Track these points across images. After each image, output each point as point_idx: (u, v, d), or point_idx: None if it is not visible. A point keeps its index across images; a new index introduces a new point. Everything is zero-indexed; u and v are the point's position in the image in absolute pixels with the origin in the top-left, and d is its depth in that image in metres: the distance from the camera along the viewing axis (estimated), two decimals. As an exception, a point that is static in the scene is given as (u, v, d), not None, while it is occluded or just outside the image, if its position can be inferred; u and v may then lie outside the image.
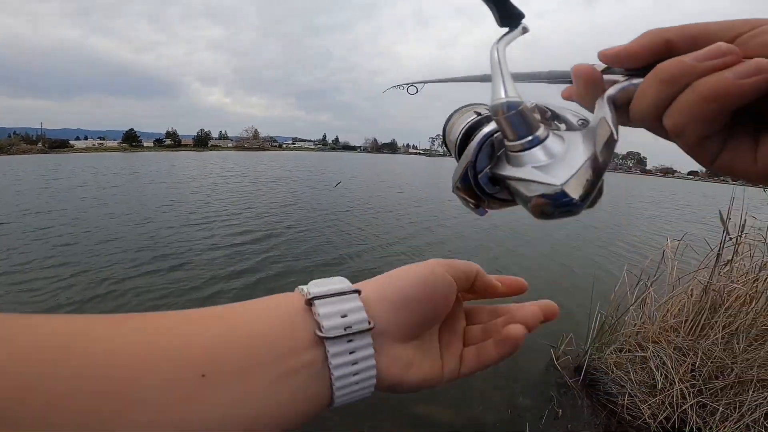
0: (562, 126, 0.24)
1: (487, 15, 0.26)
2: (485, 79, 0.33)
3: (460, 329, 0.32)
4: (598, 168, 0.20)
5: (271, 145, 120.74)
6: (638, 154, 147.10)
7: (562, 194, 0.20)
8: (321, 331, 0.23)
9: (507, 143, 0.23)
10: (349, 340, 0.24)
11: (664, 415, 2.00)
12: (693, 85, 0.17)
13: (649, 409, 2.05)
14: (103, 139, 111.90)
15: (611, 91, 0.22)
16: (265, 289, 4.18)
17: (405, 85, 0.64)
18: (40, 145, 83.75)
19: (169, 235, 5.89)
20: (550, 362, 2.69)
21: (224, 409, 0.20)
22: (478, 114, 0.32)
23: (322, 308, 0.24)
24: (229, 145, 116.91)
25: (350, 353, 0.24)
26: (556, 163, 0.21)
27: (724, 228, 2.30)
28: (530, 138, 0.22)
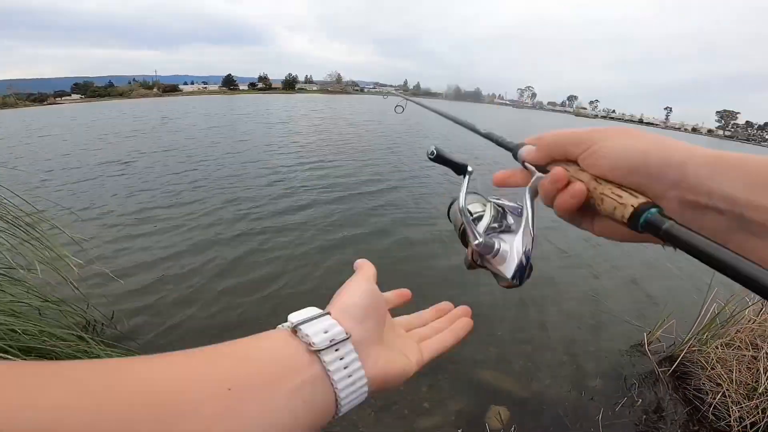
0: (509, 218, 0.41)
1: None
2: (472, 129, 0.51)
3: (399, 328, 0.40)
4: (528, 258, 0.36)
5: (353, 89, 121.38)
6: None
7: (513, 280, 0.36)
8: (312, 345, 0.28)
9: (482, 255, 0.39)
10: (336, 349, 0.29)
11: (751, 420, 1.89)
12: (555, 199, 0.33)
13: (738, 411, 1.93)
14: (206, 84, 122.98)
15: (531, 183, 0.36)
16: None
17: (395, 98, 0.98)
18: (155, 90, 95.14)
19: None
20: (639, 346, 2.52)
21: (255, 421, 0.24)
22: (467, 221, 0.43)
23: (306, 330, 0.29)
24: (314, 88, 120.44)
25: (340, 359, 0.29)
26: (508, 262, 0.37)
27: None
28: (492, 253, 0.38)
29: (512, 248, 0.37)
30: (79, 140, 11.21)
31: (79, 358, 1.56)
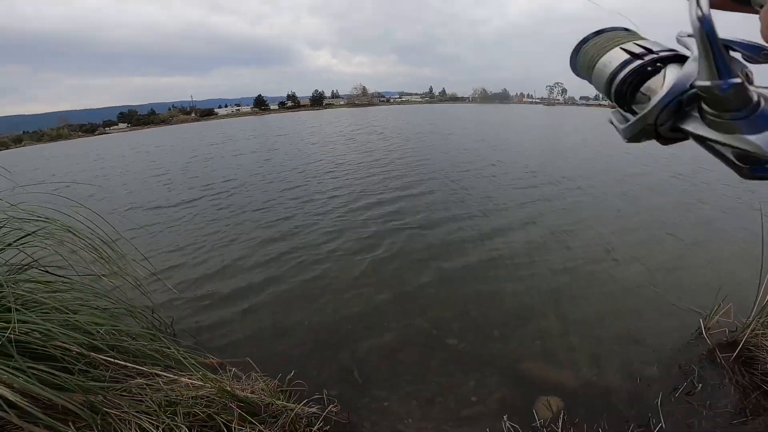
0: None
1: None
2: None
3: None
4: None
5: (379, 101, 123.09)
6: None
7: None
8: None
9: (710, 111, 0.26)
10: None
11: None
12: None
13: None
14: (239, 106, 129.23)
15: None
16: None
17: None
18: (193, 114, 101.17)
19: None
20: (697, 332, 2.40)
21: None
22: (635, 55, 0.33)
23: None
24: (341, 102, 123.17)
25: None
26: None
27: None
28: (743, 111, 0.24)
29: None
30: (168, 166, 11.38)
31: (154, 356, 1.71)
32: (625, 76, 0.33)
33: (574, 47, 0.40)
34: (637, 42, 0.34)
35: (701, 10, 0.24)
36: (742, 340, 2.20)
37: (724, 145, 0.25)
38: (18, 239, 1.83)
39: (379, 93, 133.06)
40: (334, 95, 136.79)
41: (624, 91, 0.33)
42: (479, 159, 9.01)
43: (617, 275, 3.21)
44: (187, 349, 1.86)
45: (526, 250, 3.61)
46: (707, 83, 0.25)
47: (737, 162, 0.25)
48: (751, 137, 0.24)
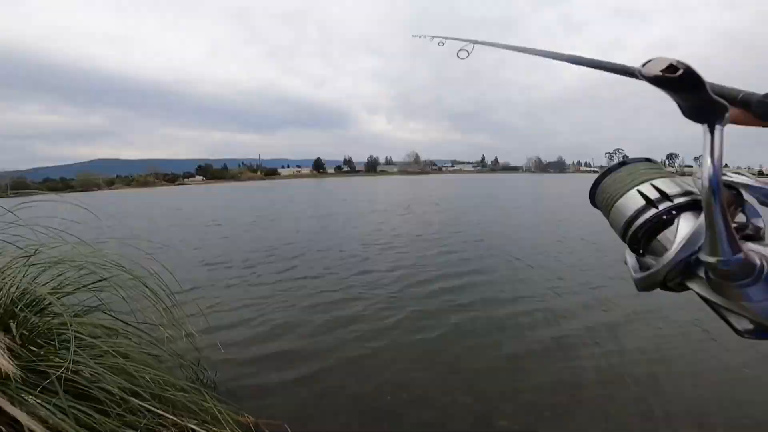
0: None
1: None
2: (573, 60, 0.42)
3: None
4: None
5: (431, 169, 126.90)
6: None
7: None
8: None
9: (714, 278, 0.26)
10: None
11: None
12: None
13: None
14: (300, 167, 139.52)
15: None
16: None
17: (439, 39, 0.71)
18: (258, 173, 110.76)
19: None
20: None
21: None
22: (651, 202, 0.34)
23: None
24: (394, 169, 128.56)
25: None
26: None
27: None
28: (746, 281, 0.25)
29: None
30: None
31: (191, 408, 1.71)
32: (638, 226, 0.34)
33: (594, 180, 0.42)
34: (654, 183, 0.35)
35: (710, 181, 0.24)
36: None
37: (727, 309, 0.27)
38: (93, 282, 1.95)
39: (431, 161, 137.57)
40: (388, 161, 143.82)
41: (639, 238, 0.35)
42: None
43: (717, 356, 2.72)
44: (226, 405, 1.85)
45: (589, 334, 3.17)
46: (710, 259, 0.25)
47: (736, 327, 0.27)
48: (753, 305, 0.25)
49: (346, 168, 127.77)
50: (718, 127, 0.24)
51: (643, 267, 0.34)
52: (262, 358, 3.02)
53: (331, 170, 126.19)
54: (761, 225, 0.28)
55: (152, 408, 1.55)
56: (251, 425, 2.02)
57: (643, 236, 0.34)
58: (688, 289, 0.30)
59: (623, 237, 0.36)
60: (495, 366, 2.79)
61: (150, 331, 2.17)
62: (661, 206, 0.33)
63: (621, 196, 0.36)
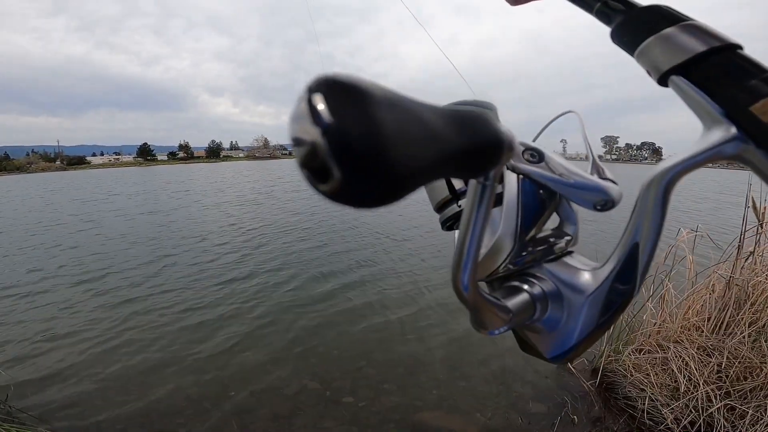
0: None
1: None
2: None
3: None
4: None
5: (282, 153, 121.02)
6: (653, 144, 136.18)
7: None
8: None
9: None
10: None
11: (689, 419, 1.85)
12: None
13: (671, 413, 1.90)
14: (119, 155, 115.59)
15: None
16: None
17: None
18: (58, 162, 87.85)
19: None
20: (563, 365, 2.45)
21: None
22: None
23: None
24: (241, 155, 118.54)
25: None
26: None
27: (757, 217, 2.11)
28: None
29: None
30: None
31: None
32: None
33: None
34: None
35: None
36: (600, 366, 2.33)
37: None
38: None
39: (282, 146, 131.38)
40: (234, 147, 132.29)
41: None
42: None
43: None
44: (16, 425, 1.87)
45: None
46: None
47: None
48: None
49: (183, 154, 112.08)
50: None
51: None
52: (48, 374, 2.68)
53: (162, 156, 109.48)
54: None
55: None
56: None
57: None
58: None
59: None
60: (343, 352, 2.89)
61: None
62: None
63: None
